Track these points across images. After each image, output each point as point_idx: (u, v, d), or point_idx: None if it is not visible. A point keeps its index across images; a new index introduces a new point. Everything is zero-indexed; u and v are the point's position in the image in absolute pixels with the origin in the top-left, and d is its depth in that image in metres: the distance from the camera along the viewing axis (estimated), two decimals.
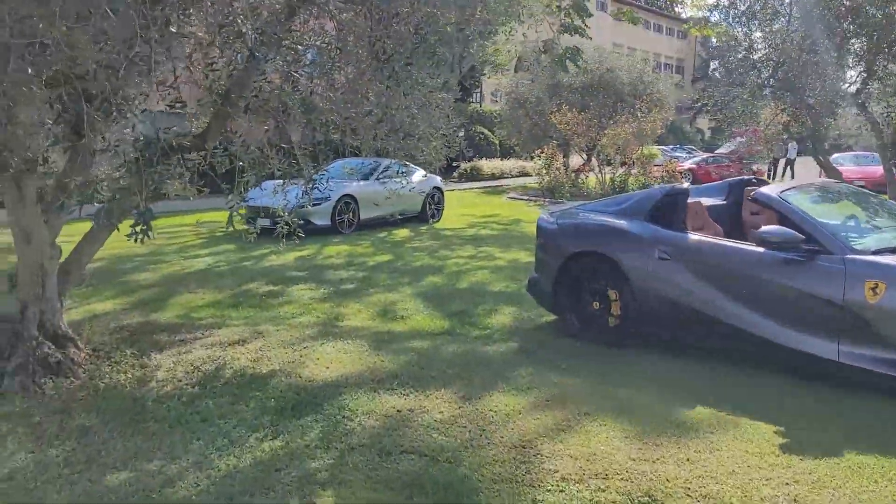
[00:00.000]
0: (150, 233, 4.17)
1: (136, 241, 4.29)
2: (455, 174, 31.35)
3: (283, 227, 6.28)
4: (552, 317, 6.60)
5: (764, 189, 5.68)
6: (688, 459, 3.76)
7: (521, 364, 5.33)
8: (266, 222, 13.72)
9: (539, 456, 3.77)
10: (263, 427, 4.07)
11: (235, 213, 5.46)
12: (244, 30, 4.28)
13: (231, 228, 4.93)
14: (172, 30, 4.09)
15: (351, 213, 13.45)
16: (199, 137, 5.40)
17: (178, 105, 5.03)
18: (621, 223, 5.84)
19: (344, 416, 4.23)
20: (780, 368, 5.10)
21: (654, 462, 3.73)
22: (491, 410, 4.36)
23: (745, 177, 8.11)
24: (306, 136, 6.43)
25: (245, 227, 6.32)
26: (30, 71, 3.67)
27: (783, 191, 5.53)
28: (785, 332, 4.91)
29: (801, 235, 4.90)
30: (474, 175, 30.69)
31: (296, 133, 6.05)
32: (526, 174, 32.64)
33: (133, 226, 4.22)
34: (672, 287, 5.40)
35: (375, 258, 10.32)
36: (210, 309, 7.09)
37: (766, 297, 5.03)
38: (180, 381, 4.82)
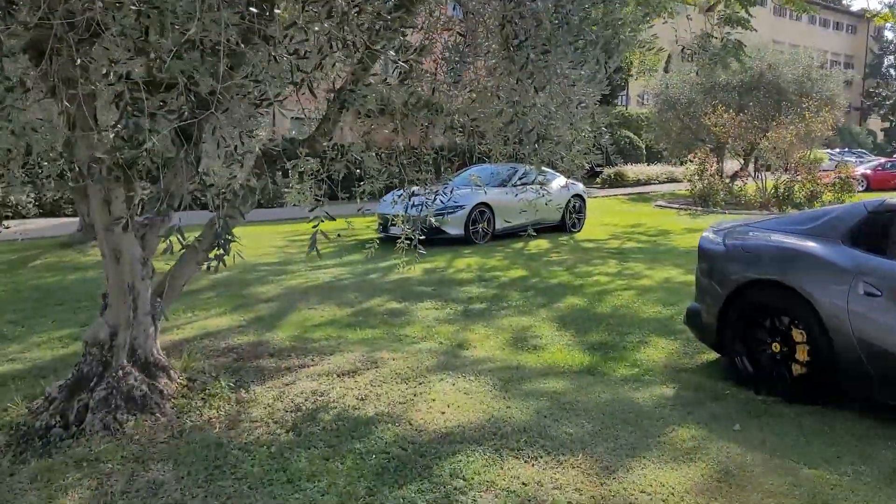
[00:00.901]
0: (224, 260, 3.53)
1: (209, 269, 3.68)
2: (598, 180, 29.99)
3: (404, 240, 5.59)
4: (714, 354, 5.50)
5: None
6: None
7: (680, 421, 4.30)
8: (398, 231, 13.31)
9: None
10: (357, 497, 3.33)
11: (318, 226, 4.81)
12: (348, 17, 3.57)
13: (315, 252, 4.20)
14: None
15: (485, 223, 12.71)
16: (308, 141, 4.79)
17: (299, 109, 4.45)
18: (812, 246, 4.67)
19: (456, 488, 3.41)
20: None
21: None
22: (642, 491, 3.40)
23: None
24: (430, 140, 5.71)
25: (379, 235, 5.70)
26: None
27: None
28: None
29: None
30: (618, 181, 29.22)
31: (415, 137, 5.34)
32: (674, 180, 30.74)
33: (210, 248, 3.61)
34: (882, 331, 4.19)
35: (508, 273, 9.48)
36: (327, 329, 6.52)
37: None
38: (276, 422, 4.19)
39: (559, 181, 14.56)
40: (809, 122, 20.04)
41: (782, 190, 19.24)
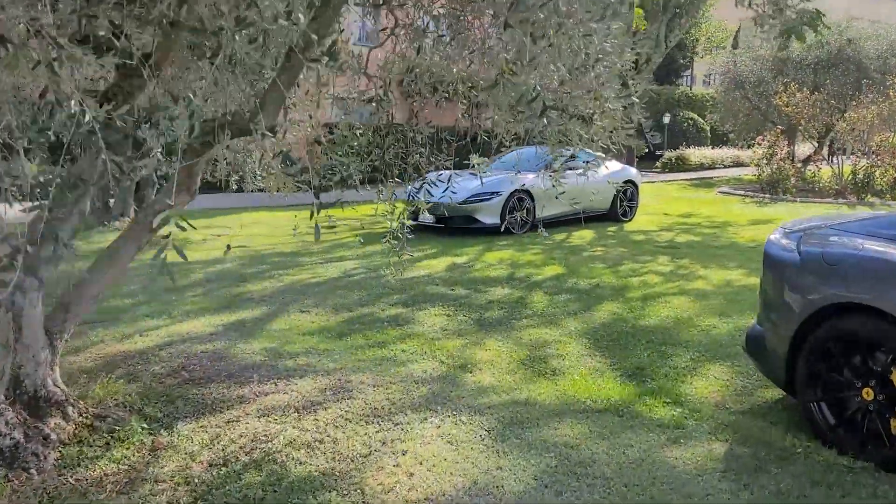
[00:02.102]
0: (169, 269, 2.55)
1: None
2: (657, 164, 28.32)
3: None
4: (781, 392, 4.29)
5: None
6: None
7: (731, 499, 3.14)
8: (429, 219, 12.25)
9: None
10: None
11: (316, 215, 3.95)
12: None
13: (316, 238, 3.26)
14: None
15: (525, 211, 11.51)
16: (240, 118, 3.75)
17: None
18: None
19: None
20: None
21: None
22: None
23: None
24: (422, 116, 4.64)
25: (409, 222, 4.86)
26: None
27: None
28: None
29: None
30: (679, 165, 27.53)
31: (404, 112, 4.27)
32: (740, 164, 28.86)
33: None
34: None
35: (543, 270, 8.32)
36: (311, 339, 5.52)
37: None
38: (187, 484, 3.19)
39: (610, 165, 13.26)
40: (894, 101, 18.10)
41: (861, 176, 17.43)
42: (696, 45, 35.60)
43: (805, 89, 19.65)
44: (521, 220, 11.49)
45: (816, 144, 21.86)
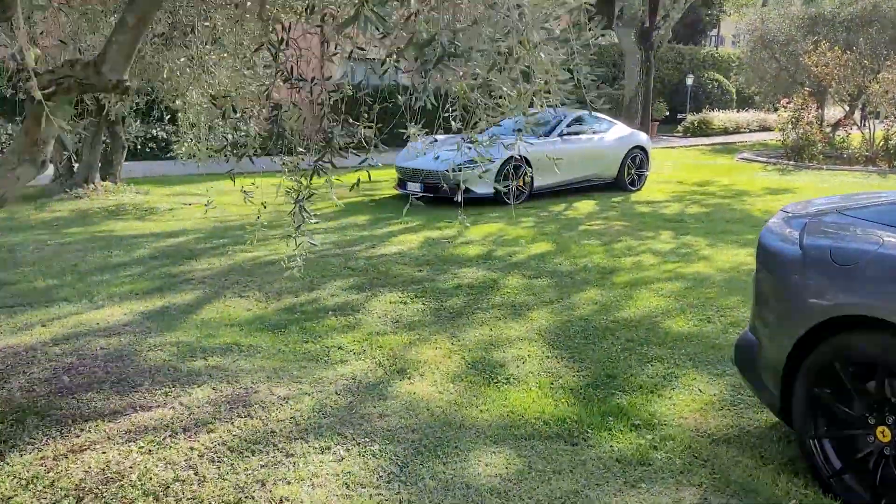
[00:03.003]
0: None
1: None
2: (679, 128, 27.08)
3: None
4: (774, 418, 3.46)
5: None
6: None
7: None
8: (417, 188, 11.39)
9: None
10: None
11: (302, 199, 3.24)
12: None
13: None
14: None
15: (521, 180, 10.61)
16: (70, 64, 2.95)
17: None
18: None
19: None
20: None
21: None
22: None
23: None
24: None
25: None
26: None
27: None
28: None
29: None
30: (702, 129, 26.25)
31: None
32: (767, 129, 27.53)
33: None
34: None
35: (529, 248, 7.48)
36: (238, 332, 4.77)
37: None
38: None
39: (617, 130, 12.31)
40: None
41: (894, 142, 16.23)
42: (725, 3, 33.91)
43: (836, 48, 18.34)
44: (518, 189, 10.60)
45: (847, 108, 20.55)
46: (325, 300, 5.54)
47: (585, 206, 10.51)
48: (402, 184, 10.87)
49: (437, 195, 10.24)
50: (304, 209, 3.47)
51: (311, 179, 3.42)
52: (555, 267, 6.63)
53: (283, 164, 3.70)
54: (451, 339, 4.71)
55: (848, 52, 18.37)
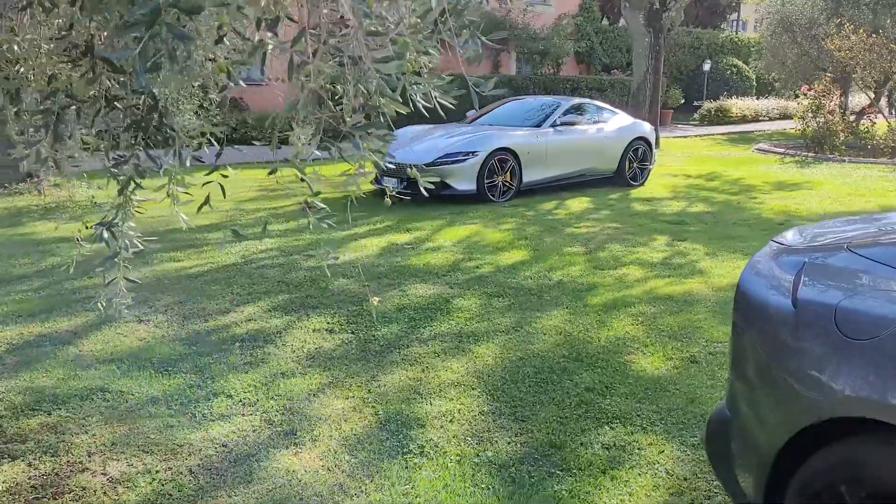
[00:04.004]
0: None
1: None
2: (695, 116, 25.92)
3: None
4: None
5: None
6: None
7: None
8: (393, 183, 10.48)
9: None
10: None
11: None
12: None
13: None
14: None
15: (508, 175, 9.66)
16: None
17: None
18: None
19: None
20: None
21: None
22: None
23: None
24: None
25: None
26: None
27: None
28: None
29: None
30: (720, 117, 25.12)
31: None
32: (788, 116, 26.30)
33: None
34: None
35: (501, 256, 6.56)
36: (109, 372, 3.91)
37: None
38: None
39: (618, 119, 11.30)
40: None
41: None
42: None
43: (861, 31, 17.12)
44: (504, 185, 9.65)
45: (872, 95, 19.31)
46: (238, 326, 4.66)
47: (578, 204, 9.55)
48: (378, 179, 9.94)
49: (416, 192, 9.33)
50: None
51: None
52: (522, 282, 5.70)
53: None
54: (369, 383, 3.82)
55: (874, 34, 17.15)
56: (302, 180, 2.18)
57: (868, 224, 2.70)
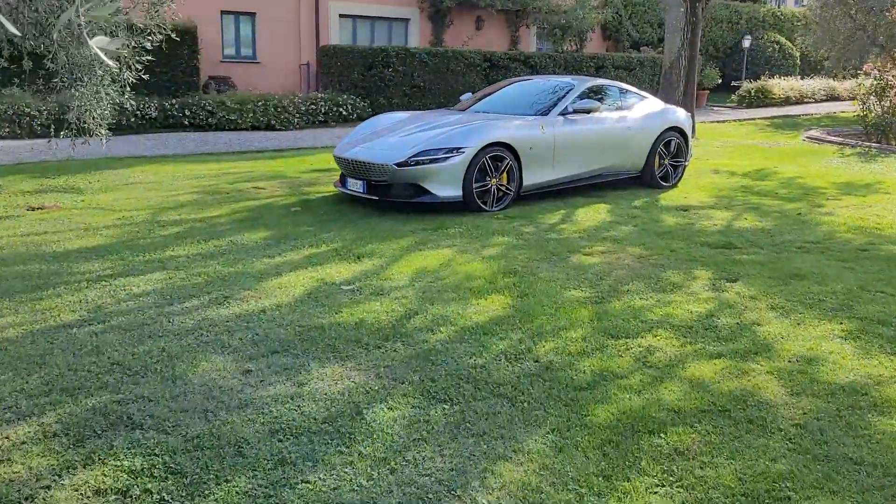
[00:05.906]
0: None
1: None
2: (733, 97, 23.46)
3: None
4: None
5: None
6: None
7: None
8: (359, 187, 8.43)
9: None
10: None
11: None
12: None
13: None
14: None
15: (505, 176, 7.57)
16: None
17: None
18: None
19: None
20: None
21: None
22: None
23: None
24: None
25: None
26: None
27: None
28: None
29: None
30: (760, 99, 22.66)
31: None
32: (835, 98, 23.80)
33: None
34: None
35: (469, 310, 4.51)
36: None
37: None
38: None
39: (646, 106, 9.12)
40: None
41: None
42: None
43: None
44: (500, 189, 7.57)
45: None
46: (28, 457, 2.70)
47: (592, 214, 7.46)
48: (343, 180, 7.93)
49: (386, 198, 7.30)
50: None
51: None
52: (491, 365, 3.67)
53: None
54: None
55: None
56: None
57: None
